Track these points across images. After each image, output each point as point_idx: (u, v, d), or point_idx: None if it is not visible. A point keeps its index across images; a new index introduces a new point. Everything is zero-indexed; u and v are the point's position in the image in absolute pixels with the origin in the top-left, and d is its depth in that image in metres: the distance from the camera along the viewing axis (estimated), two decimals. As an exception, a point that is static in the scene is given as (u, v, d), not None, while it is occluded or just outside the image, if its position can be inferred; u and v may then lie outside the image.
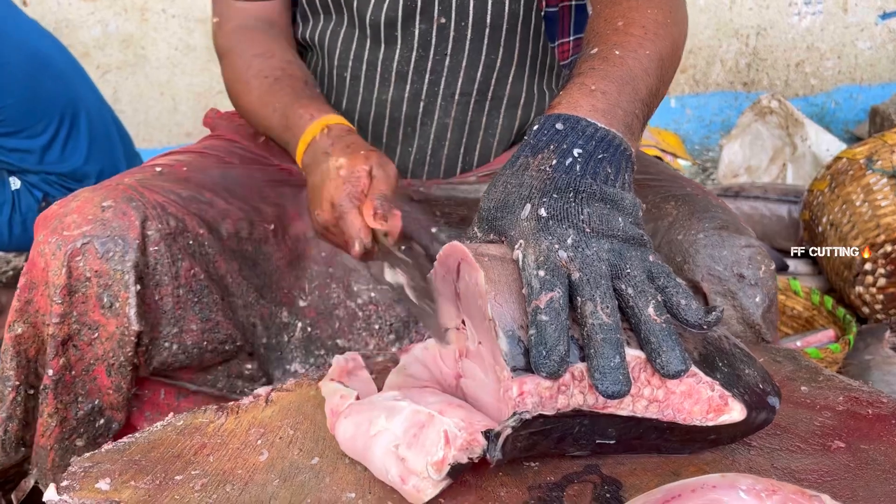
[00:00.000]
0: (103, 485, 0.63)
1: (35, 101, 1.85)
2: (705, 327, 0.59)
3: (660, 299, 0.58)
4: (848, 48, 3.60)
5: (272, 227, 1.00)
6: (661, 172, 1.02)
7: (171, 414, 0.73)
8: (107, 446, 0.68)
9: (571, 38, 1.14)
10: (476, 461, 0.56)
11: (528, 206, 0.61)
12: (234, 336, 0.94)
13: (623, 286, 0.58)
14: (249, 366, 0.99)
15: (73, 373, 0.86)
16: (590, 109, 0.68)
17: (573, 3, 1.10)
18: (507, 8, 1.00)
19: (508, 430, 0.54)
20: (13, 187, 1.85)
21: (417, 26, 1.00)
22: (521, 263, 0.59)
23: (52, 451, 0.87)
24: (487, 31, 1.01)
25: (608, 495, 0.57)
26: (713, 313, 0.60)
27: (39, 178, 1.88)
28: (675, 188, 0.96)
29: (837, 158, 1.90)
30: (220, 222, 0.95)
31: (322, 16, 1.06)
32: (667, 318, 0.57)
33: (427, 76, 1.04)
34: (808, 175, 2.33)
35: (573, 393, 0.56)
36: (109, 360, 0.86)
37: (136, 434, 0.70)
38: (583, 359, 0.57)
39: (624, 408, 0.57)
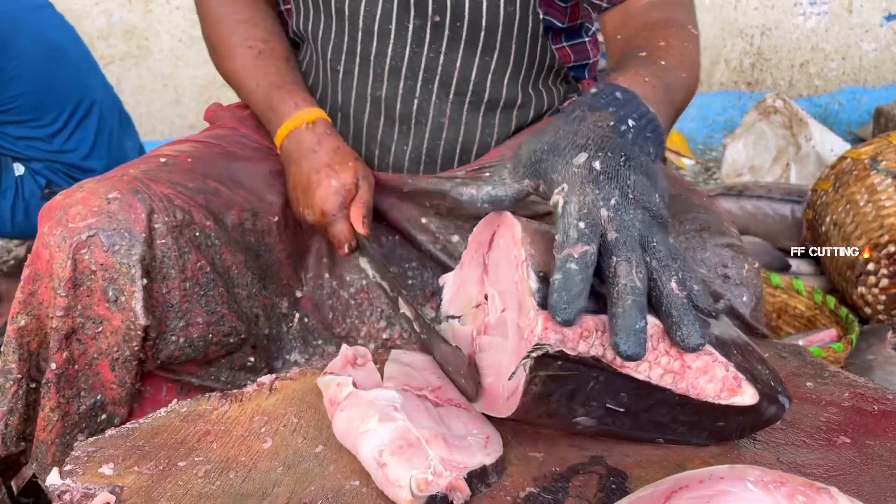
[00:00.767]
0: (106, 469, 0.63)
1: (47, 92, 1.86)
2: (714, 315, 0.59)
3: (681, 276, 0.58)
4: (852, 49, 3.59)
5: (276, 218, 1.00)
6: None
7: (175, 400, 0.73)
8: (110, 432, 0.68)
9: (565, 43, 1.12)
10: None
11: (584, 154, 0.60)
12: (238, 328, 0.93)
13: (648, 258, 0.58)
14: (252, 358, 0.98)
15: (76, 367, 0.85)
16: (643, 94, 0.69)
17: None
18: (501, 10, 0.98)
19: (530, 363, 0.54)
20: (17, 173, 1.86)
21: (412, 21, 0.99)
22: (560, 209, 0.59)
23: (52, 445, 0.86)
24: (483, 32, 1.00)
25: (613, 486, 0.57)
26: (721, 301, 0.61)
27: (44, 166, 1.88)
28: None
29: (842, 158, 1.90)
30: (226, 213, 0.95)
31: (311, 7, 1.05)
32: (688, 294, 0.57)
33: (421, 73, 1.02)
34: (811, 175, 2.33)
35: (594, 343, 0.56)
36: (114, 354, 0.85)
37: (140, 420, 0.70)
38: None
39: (640, 372, 0.57)
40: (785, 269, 2.06)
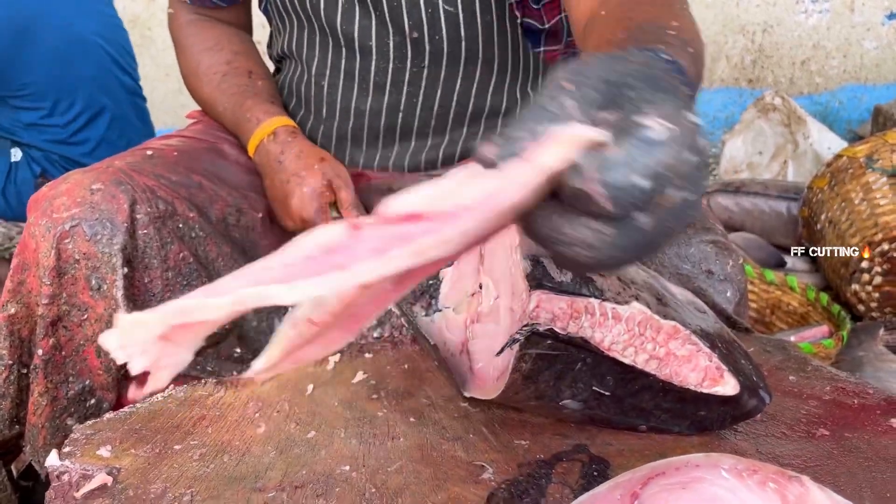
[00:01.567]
0: (104, 451, 0.65)
1: (62, 82, 1.88)
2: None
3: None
4: (854, 47, 3.59)
5: (260, 215, 1.01)
6: None
7: (171, 386, 0.75)
8: (108, 415, 0.70)
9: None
10: None
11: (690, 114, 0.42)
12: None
13: None
14: (239, 349, 0.99)
15: (64, 353, 0.87)
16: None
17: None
18: (479, 21, 0.98)
19: (521, 340, 0.57)
20: (13, 159, 1.88)
21: (391, 38, 1.00)
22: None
23: (43, 429, 0.88)
24: (463, 43, 1.00)
25: (595, 473, 0.59)
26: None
27: (43, 156, 1.90)
28: None
29: (838, 156, 1.91)
30: (209, 207, 0.96)
31: (296, 24, 1.06)
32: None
33: (405, 87, 1.03)
34: (808, 173, 2.34)
35: (583, 324, 0.59)
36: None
37: (138, 404, 0.72)
38: (601, 298, 0.60)
39: (626, 356, 0.59)
40: (780, 265, 2.07)
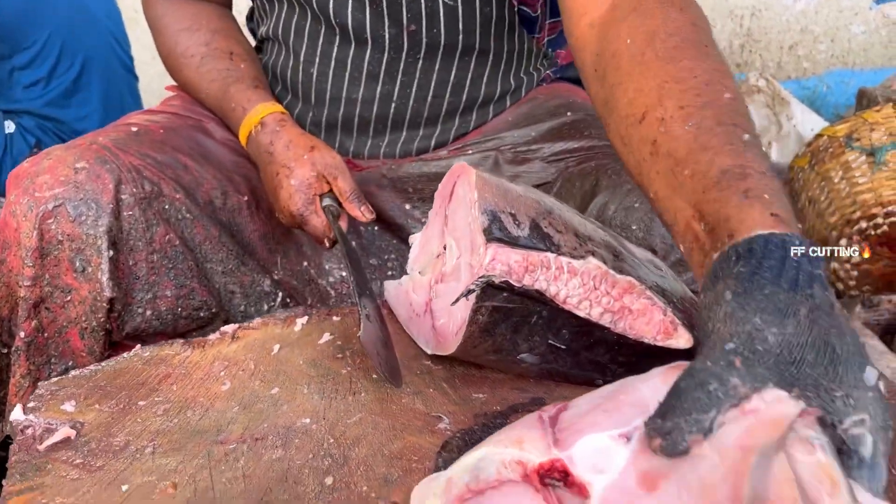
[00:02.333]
0: (68, 406, 0.66)
1: (65, 48, 1.90)
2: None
3: None
4: (841, 32, 3.60)
5: (246, 198, 0.99)
6: None
7: (139, 346, 0.75)
8: (74, 373, 0.71)
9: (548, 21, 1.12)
10: None
11: (873, 372, 0.43)
12: (209, 303, 0.93)
13: None
14: None
15: (46, 335, 0.86)
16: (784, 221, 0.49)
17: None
18: (478, 11, 0.99)
19: (477, 292, 0.58)
20: (7, 131, 1.88)
21: (387, 30, 0.99)
22: (870, 449, 0.41)
23: None
24: (461, 36, 1.00)
25: (549, 424, 0.60)
26: None
27: (36, 125, 1.90)
28: None
29: (818, 136, 1.92)
30: (196, 189, 0.94)
31: (285, 8, 1.04)
32: None
33: (399, 77, 1.02)
34: (792, 153, 2.34)
35: (539, 278, 0.59)
36: (82, 323, 0.86)
37: (104, 363, 0.73)
38: (557, 252, 0.61)
39: (581, 309, 0.60)
40: (762, 245, 2.08)
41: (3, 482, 0.59)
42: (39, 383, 0.69)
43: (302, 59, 1.04)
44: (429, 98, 1.05)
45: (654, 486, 0.39)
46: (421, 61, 1.02)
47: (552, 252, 0.61)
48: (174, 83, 1.13)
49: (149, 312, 0.89)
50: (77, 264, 0.84)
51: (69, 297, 0.85)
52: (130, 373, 0.71)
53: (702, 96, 0.58)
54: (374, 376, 0.69)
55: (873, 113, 1.82)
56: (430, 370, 0.70)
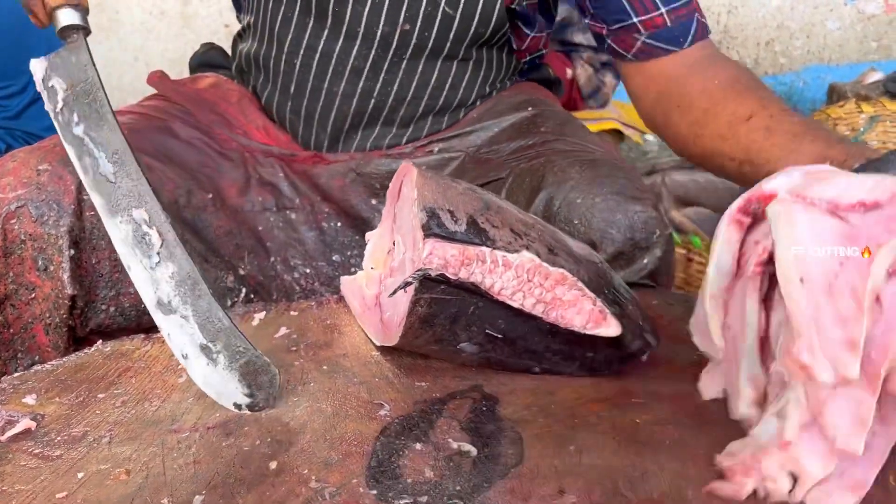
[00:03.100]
0: (30, 399, 0.69)
1: (15, 59, 1.90)
2: None
3: None
4: (817, 28, 3.65)
5: (210, 196, 1.02)
6: (578, 139, 1.06)
7: (100, 341, 0.78)
8: (36, 367, 0.74)
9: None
10: None
11: None
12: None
13: None
14: None
15: (12, 331, 0.89)
16: None
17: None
18: (473, 27, 1.04)
19: (415, 284, 0.61)
20: None
21: (381, 27, 1.03)
22: None
23: None
24: (449, 44, 1.04)
25: (484, 409, 0.63)
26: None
27: (5, 132, 1.92)
28: (584, 154, 1.00)
29: (784, 131, 1.96)
30: (159, 188, 0.96)
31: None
32: None
33: (382, 75, 1.06)
34: (762, 149, 2.39)
35: (474, 271, 0.63)
36: (46, 319, 0.88)
37: (65, 358, 0.76)
38: (493, 246, 0.64)
39: (515, 300, 0.63)
40: (732, 239, 2.12)
41: (-34, 472, 0.61)
42: (3, 378, 0.72)
43: (286, 49, 1.08)
44: (408, 98, 1.09)
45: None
46: (405, 61, 1.06)
47: (488, 246, 0.65)
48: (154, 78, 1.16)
49: (112, 309, 0.92)
50: (40, 263, 0.87)
51: (33, 295, 0.87)
52: (91, 367, 0.74)
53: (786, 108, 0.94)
54: (324, 367, 0.73)
55: (837, 108, 1.86)
56: (379, 361, 0.74)
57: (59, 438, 0.64)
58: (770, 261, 0.55)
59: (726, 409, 0.66)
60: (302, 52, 1.07)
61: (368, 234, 0.86)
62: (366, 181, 1.08)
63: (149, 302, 0.67)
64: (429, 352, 0.71)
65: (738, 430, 0.63)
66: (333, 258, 1.07)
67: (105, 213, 0.68)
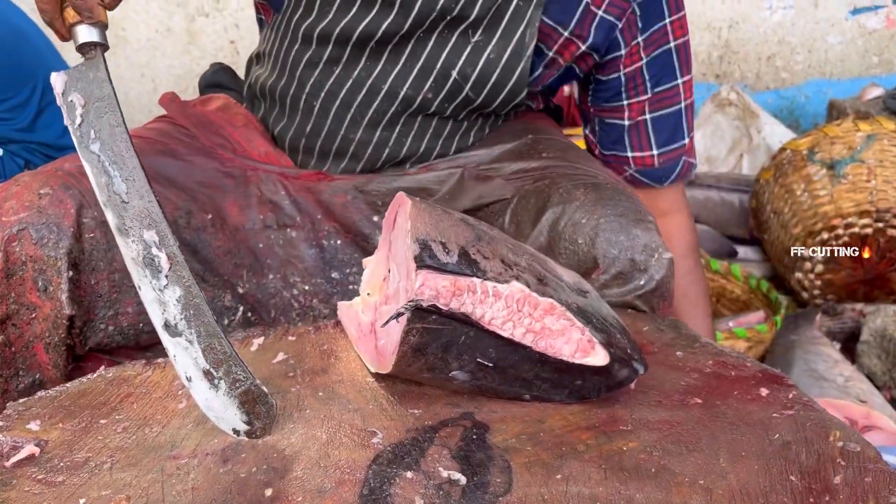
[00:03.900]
0: (34, 426, 0.70)
1: (16, 69, 1.93)
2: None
3: None
4: (818, 43, 3.67)
5: (210, 216, 1.03)
6: (581, 163, 1.09)
7: (103, 367, 0.80)
8: (40, 393, 0.76)
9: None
10: None
11: None
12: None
13: None
14: None
15: (14, 349, 0.91)
16: None
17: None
18: (491, 109, 1.12)
19: (407, 314, 0.63)
20: None
21: (405, 90, 1.09)
22: None
23: None
24: (465, 113, 1.12)
25: (475, 436, 0.65)
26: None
27: (21, 147, 1.95)
28: (588, 178, 1.03)
29: (782, 149, 1.98)
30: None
31: (299, 41, 1.09)
32: None
33: (398, 128, 1.11)
34: (762, 165, 2.40)
35: (465, 301, 0.65)
36: (46, 338, 0.90)
37: (68, 384, 0.77)
38: (483, 277, 0.66)
39: (505, 329, 0.65)
40: (732, 255, 2.14)
41: (-28, 497, 0.63)
42: (8, 404, 0.74)
43: (307, 90, 1.12)
44: (421, 149, 1.15)
45: None
46: (422, 117, 1.12)
47: (478, 277, 0.67)
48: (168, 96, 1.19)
49: (111, 328, 0.94)
50: (40, 284, 0.89)
51: (34, 315, 0.90)
52: (94, 393, 0.76)
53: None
54: (320, 394, 0.74)
55: (834, 127, 1.88)
56: (374, 388, 0.75)
57: (61, 464, 0.66)
58: None
59: (712, 436, 0.67)
60: (322, 95, 1.11)
61: (366, 261, 0.88)
62: (368, 198, 1.11)
63: (156, 322, 0.69)
64: (422, 379, 0.72)
65: (724, 457, 0.64)
66: (332, 275, 1.09)
67: (117, 231, 0.70)
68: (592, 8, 1.08)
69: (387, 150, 1.13)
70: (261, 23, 1.28)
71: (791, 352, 1.51)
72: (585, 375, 0.69)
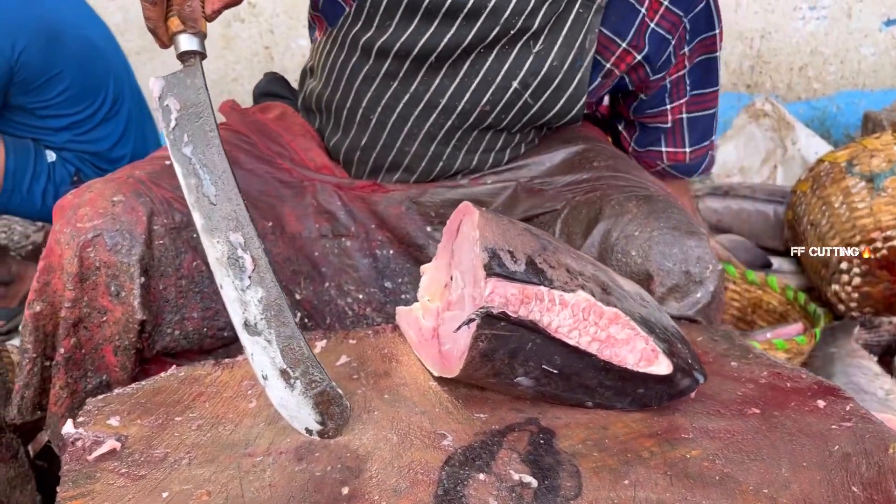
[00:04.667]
0: (113, 421, 0.73)
1: (85, 86, 1.97)
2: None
3: None
4: (851, 53, 3.65)
5: (270, 223, 1.06)
6: (632, 175, 1.11)
7: (174, 367, 0.83)
8: (117, 390, 0.79)
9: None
10: None
11: None
12: (232, 323, 1.01)
13: None
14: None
15: (83, 351, 0.94)
16: None
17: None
18: (547, 118, 1.14)
19: (478, 321, 0.66)
20: (49, 160, 1.96)
21: (462, 103, 1.11)
22: None
23: (62, 418, 0.95)
24: (520, 125, 1.14)
25: (542, 441, 0.67)
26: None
27: (74, 156, 1.99)
28: (639, 190, 1.05)
29: (820, 161, 1.98)
30: None
31: (358, 53, 1.11)
32: None
33: (453, 142, 1.14)
34: (796, 177, 2.40)
35: (533, 309, 0.67)
36: (116, 341, 0.94)
37: (143, 381, 0.80)
38: (550, 286, 0.68)
39: (571, 338, 0.67)
40: (766, 266, 2.14)
41: (57, 489, 0.66)
42: (88, 400, 0.77)
43: (364, 104, 1.13)
44: (475, 160, 1.17)
45: None
46: (477, 131, 1.13)
47: (546, 286, 0.69)
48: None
49: (177, 332, 0.97)
50: (112, 289, 0.92)
51: (105, 318, 0.93)
52: (167, 391, 0.79)
53: None
54: (386, 396, 0.77)
55: (873, 140, 1.88)
56: (437, 391, 0.77)
57: (142, 459, 0.69)
58: None
59: (772, 446, 0.69)
60: (380, 110, 1.13)
61: (423, 267, 0.90)
62: (421, 209, 1.13)
63: (236, 321, 0.71)
64: (486, 384, 0.74)
65: (786, 467, 0.66)
66: (385, 285, 1.12)
67: (204, 231, 0.72)
68: (646, 20, 1.10)
69: (441, 164, 1.15)
70: (311, 27, 1.30)
71: (831, 364, 1.52)
72: (648, 384, 0.70)
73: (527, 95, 1.09)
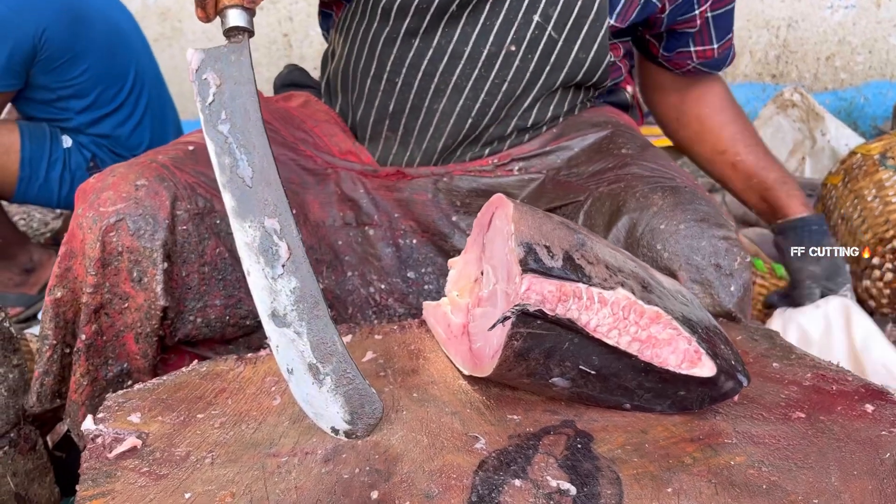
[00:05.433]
0: (134, 418, 0.71)
1: (111, 68, 1.97)
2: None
3: None
4: (880, 43, 3.57)
5: (294, 211, 1.04)
6: (657, 164, 1.07)
7: (196, 361, 0.81)
8: (138, 386, 0.77)
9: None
10: None
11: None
12: (255, 311, 0.97)
13: None
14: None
15: (105, 338, 0.92)
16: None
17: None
18: (573, 53, 1.10)
19: (512, 319, 0.63)
20: (65, 145, 1.96)
21: (487, 47, 1.08)
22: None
23: (82, 406, 0.94)
24: (549, 68, 1.11)
25: (579, 445, 0.64)
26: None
27: (90, 140, 1.98)
28: (665, 181, 1.01)
29: (852, 153, 1.92)
30: None
31: (380, 17, 1.09)
32: None
33: (482, 96, 1.11)
34: (826, 169, 2.35)
35: (571, 307, 0.64)
36: (137, 328, 0.92)
37: (164, 377, 0.78)
38: (589, 283, 0.65)
39: (610, 337, 0.64)
40: (794, 261, 2.09)
41: (77, 487, 0.64)
42: (107, 395, 0.75)
43: (388, 68, 1.12)
44: (501, 117, 1.13)
45: None
46: (506, 84, 1.10)
47: (584, 283, 0.66)
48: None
49: (199, 320, 0.95)
50: (135, 274, 0.90)
51: (126, 305, 0.91)
52: (189, 387, 0.77)
53: (755, 142, 1.42)
54: (415, 395, 0.74)
55: (908, 132, 1.82)
56: (467, 391, 0.75)
57: (163, 457, 0.66)
58: None
59: (820, 453, 0.66)
60: (405, 70, 1.11)
61: (452, 261, 0.87)
62: (447, 197, 1.11)
63: (263, 311, 0.68)
64: (519, 384, 0.72)
65: (836, 475, 0.63)
66: (408, 275, 1.09)
67: (234, 214, 0.69)
68: None
69: (469, 120, 1.12)
70: (324, 26, 1.28)
71: (863, 362, 1.47)
72: (690, 386, 0.67)
73: (550, 28, 1.07)
